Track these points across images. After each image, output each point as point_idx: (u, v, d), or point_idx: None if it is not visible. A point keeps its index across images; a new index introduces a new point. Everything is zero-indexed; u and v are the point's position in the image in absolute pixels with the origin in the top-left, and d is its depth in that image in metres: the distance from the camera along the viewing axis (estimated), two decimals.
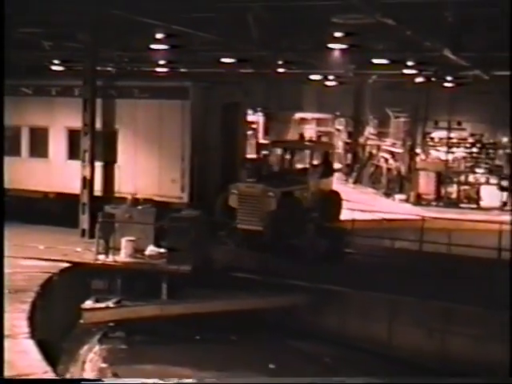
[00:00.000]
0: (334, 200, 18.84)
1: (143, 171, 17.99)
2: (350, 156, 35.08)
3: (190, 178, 17.42)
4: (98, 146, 17.84)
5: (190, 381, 9.68)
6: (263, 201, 16.68)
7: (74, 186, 17.75)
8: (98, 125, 17.99)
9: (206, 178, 17.73)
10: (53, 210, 18.33)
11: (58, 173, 18.56)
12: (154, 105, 17.82)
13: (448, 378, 11.48)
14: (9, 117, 18.81)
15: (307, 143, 25.11)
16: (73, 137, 18.33)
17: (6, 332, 10.15)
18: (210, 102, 17.91)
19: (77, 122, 17.71)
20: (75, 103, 17.80)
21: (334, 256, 16.16)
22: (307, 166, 19.25)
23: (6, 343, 9.76)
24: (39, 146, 19.07)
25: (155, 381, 10.78)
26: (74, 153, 18.33)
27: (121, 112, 18.17)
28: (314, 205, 17.58)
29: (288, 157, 19.55)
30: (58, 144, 18.84)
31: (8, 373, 8.80)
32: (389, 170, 30.95)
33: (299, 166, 20.82)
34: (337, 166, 30.00)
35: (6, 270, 13.38)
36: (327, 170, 18.95)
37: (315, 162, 19.34)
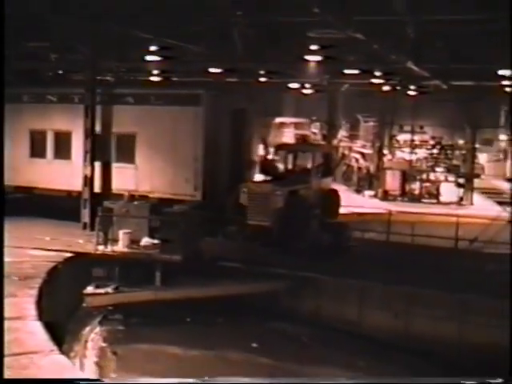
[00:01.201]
0: (333, 197, 18.81)
1: (159, 172, 17.92)
2: None
3: (202, 178, 17.37)
4: (119, 148, 17.99)
5: (190, 381, 9.53)
6: (271, 199, 16.55)
7: (95, 186, 17.72)
8: (120, 129, 18.07)
9: (216, 178, 17.72)
10: (73, 207, 17.90)
11: (79, 173, 18.19)
12: (169, 111, 17.76)
13: (448, 378, 11.42)
14: (36, 122, 19.08)
15: (309, 146, 25.06)
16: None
17: (17, 314, 10.24)
18: (219, 108, 17.89)
19: (98, 127, 17.80)
20: (96, 109, 17.88)
21: (336, 248, 16.10)
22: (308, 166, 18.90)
23: (17, 324, 9.85)
24: (63, 149, 18.91)
25: (155, 381, 10.62)
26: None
27: (139, 117, 18.07)
28: (316, 202, 17.45)
29: (291, 158, 19.29)
30: (79, 147, 18.54)
31: (18, 350, 8.85)
32: (359, 168, 31.14)
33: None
34: None
35: (17, 259, 13.55)
36: (327, 170, 18.85)
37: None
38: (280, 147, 21.94)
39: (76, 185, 18.19)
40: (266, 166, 20.48)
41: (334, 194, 19.05)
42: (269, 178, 18.28)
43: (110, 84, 20.26)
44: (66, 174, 18.46)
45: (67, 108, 18.63)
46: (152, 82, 27.33)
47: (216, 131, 17.81)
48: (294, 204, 16.57)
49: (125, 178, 18.06)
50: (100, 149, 18.08)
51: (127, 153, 18.28)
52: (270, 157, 21.50)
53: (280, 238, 16.00)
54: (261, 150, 30.53)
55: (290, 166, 19.13)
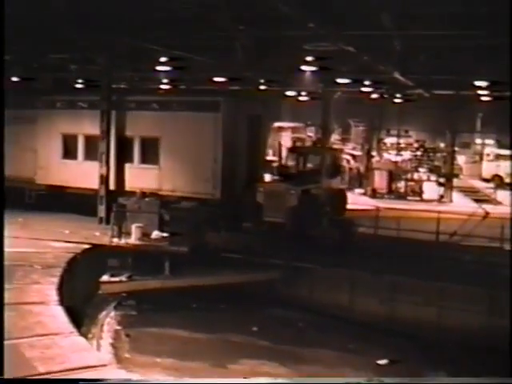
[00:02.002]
0: (341, 196, 18.78)
1: (181, 172, 17.81)
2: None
3: (221, 178, 17.29)
4: (144, 150, 18.01)
5: (193, 380, 9.42)
6: (286, 197, 16.51)
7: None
8: (145, 133, 18.07)
9: (234, 178, 17.63)
10: (96, 204, 17.79)
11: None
12: (190, 116, 17.67)
13: (448, 378, 11.41)
14: (67, 126, 19.10)
15: (320, 149, 25.09)
16: (120, 143, 18.22)
17: (40, 299, 10.30)
18: (237, 114, 17.82)
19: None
20: (123, 115, 17.88)
21: (345, 243, 16.05)
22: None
23: (40, 308, 9.91)
24: (92, 151, 18.65)
25: (155, 380, 10.26)
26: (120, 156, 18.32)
27: (163, 122, 17.97)
28: (326, 200, 17.41)
29: (302, 160, 19.27)
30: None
31: (41, 332, 8.90)
32: (350, 169, 31.06)
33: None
34: None
35: (40, 250, 13.59)
36: (335, 171, 18.81)
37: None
38: (292, 150, 21.87)
39: None
40: (280, 167, 20.43)
41: (342, 193, 19.06)
42: (282, 178, 18.23)
43: (130, 92, 20.22)
44: (94, 174, 18.20)
45: (96, 114, 18.39)
46: (172, 90, 27.29)
47: (233, 135, 17.72)
48: (307, 202, 16.51)
49: (149, 178, 17.97)
50: (116, 150, 18.10)
51: (152, 155, 18.19)
52: (282, 159, 21.27)
53: (293, 233, 15.87)
54: (273, 153, 30.43)
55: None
